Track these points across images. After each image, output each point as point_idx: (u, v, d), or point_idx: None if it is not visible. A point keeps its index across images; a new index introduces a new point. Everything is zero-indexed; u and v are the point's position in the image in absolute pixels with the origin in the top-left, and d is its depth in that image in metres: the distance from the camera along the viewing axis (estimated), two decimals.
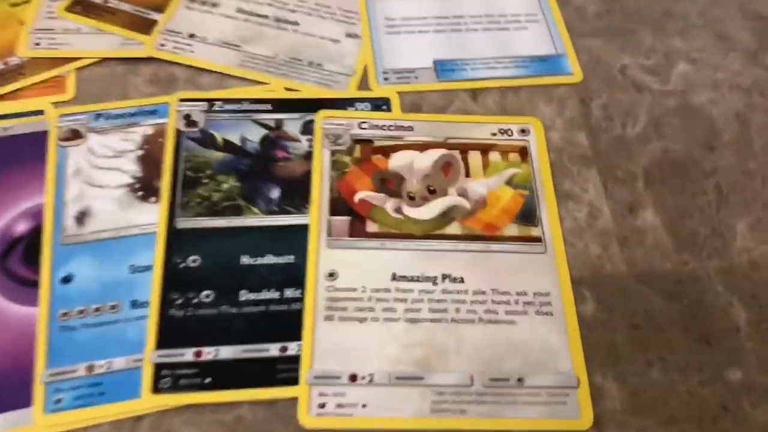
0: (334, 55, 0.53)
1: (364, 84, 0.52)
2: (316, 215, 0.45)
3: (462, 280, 0.43)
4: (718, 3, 0.57)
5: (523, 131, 0.49)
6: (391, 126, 0.49)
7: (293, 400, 0.39)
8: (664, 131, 0.50)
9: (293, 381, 0.39)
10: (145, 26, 0.54)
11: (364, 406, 0.39)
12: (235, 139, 0.48)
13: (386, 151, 0.48)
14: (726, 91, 0.52)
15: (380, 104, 0.50)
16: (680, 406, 0.39)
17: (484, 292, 0.42)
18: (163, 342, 0.40)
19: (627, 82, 0.52)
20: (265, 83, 0.51)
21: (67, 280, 0.42)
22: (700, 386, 0.40)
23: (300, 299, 0.42)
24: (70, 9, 0.54)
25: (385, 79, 0.52)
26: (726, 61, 0.54)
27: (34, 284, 0.42)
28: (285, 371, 0.40)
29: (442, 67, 0.52)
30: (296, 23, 0.55)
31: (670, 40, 0.55)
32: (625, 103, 0.51)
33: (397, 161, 0.47)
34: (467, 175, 0.47)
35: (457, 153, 0.48)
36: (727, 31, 0.55)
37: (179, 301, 0.41)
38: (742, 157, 0.48)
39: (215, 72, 0.52)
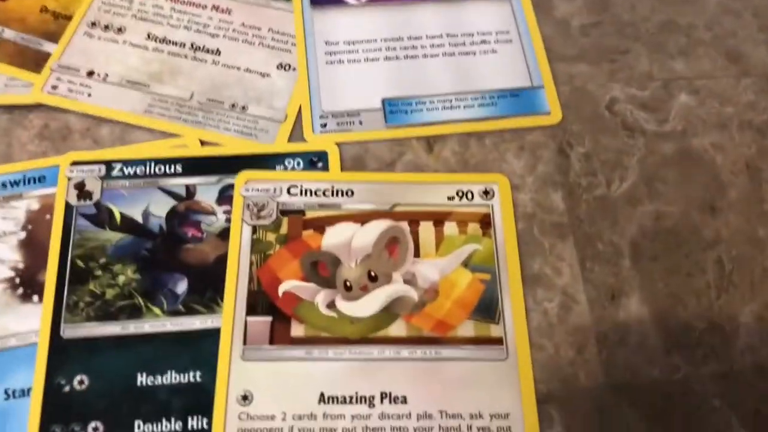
0: (263, 94, 0.44)
1: (296, 132, 0.42)
2: (230, 316, 0.37)
3: (404, 400, 0.35)
4: (730, 10, 0.47)
5: (486, 193, 0.41)
6: (327, 190, 0.40)
7: None
8: (657, 189, 0.41)
9: None
10: (36, 60, 0.44)
11: None
12: (136, 214, 0.39)
13: (320, 225, 0.39)
14: (735, 132, 0.43)
15: (315, 160, 0.41)
16: None
17: (431, 416, 0.35)
18: None
19: (616, 121, 0.43)
20: (177, 135, 0.42)
21: None
22: None
23: (207, 431, 0.34)
24: None
25: (323, 125, 0.43)
26: (737, 90, 0.44)
27: None
28: None
29: (392, 108, 0.43)
30: (217, 52, 0.45)
31: (670, 62, 0.45)
32: (613, 150, 0.42)
33: (332, 238, 0.39)
34: (416, 254, 0.39)
35: (405, 225, 0.40)
36: (739, 48, 0.45)
37: None
38: (750, 221, 0.40)
39: (118, 122, 0.42)
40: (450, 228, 0.40)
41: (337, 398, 0.36)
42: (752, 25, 0.47)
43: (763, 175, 0.42)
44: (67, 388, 0.35)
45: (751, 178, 0.42)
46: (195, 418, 0.35)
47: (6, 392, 0.35)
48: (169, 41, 0.46)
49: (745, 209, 0.41)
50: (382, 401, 0.36)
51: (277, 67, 0.45)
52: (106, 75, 0.44)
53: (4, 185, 0.40)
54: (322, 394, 0.36)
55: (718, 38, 0.47)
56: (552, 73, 0.45)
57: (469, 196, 0.41)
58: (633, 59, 0.46)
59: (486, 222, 0.40)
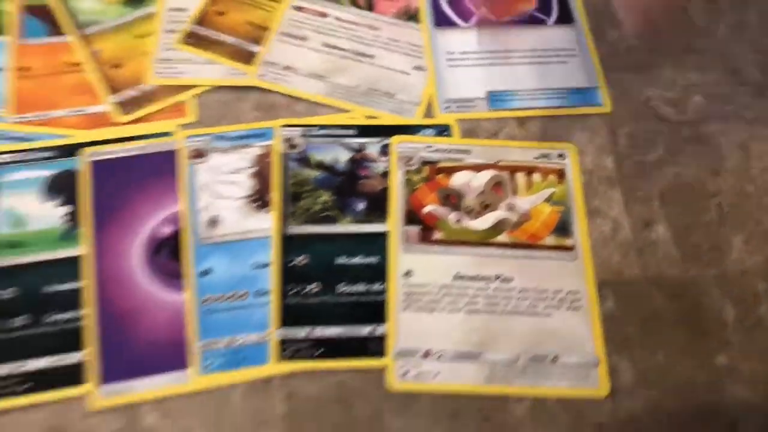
0: (405, 86, 0.65)
1: (429, 112, 0.63)
2: (394, 225, 0.57)
3: (511, 280, 0.55)
4: (733, 39, 0.68)
5: (560, 156, 0.61)
6: (452, 150, 0.61)
7: (381, 370, 0.52)
8: (678, 158, 0.61)
9: (381, 354, 0.52)
10: (247, 57, 0.66)
11: (436, 375, 0.52)
12: (327, 160, 0.60)
13: (448, 171, 0.60)
14: (732, 122, 0.63)
15: (443, 130, 0.62)
16: (678, 382, 0.52)
17: (527, 290, 0.55)
18: (283, 322, 0.53)
19: (649, 113, 0.64)
20: (349, 111, 0.63)
21: (206, 273, 0.55)
22: (694, 368, 0.52)
23: (384, 292, 0.55)
24: (183, 42, 0.66)
25: (447, 107, 0.64)
26: (736, 93, 0.65)
27: (178, 275, 0.55)
28: (374, 347, 0.53)
29: (494, 98, 0.64)
30: (372, 56, 0.66)
31: (688, 74, 0.66)
32: (647, 131, 0.62)
33: (457, 180, 0.60)
34: (514, 192, 0.59)
35: (506, 174, 0.60)
36: (738, 65, 0.66)
37: (293, 292, 0.54)
38: (741, 180, 0.60)
39: (308, 101, 0.64)
40: (536, 177, 0.61)
41: (466, 276, 0.56)
42: (748, 50, 0.68)
43: (752, 152, 0.62)
44: (294, 264, 0.56)
45: (743, 153, 0.62)
46: (376, 283, 0.55)
47: (254, 263, 0.56)
48: (338, 48, 0.67)
49: (738, 173, 0.61)
50: (496, 280, 0.56)
51: (414, 68, 0.66)
52: (297, 69, 0.65)
53: (238, 138, 0.61)
54: (456, 274, 0.56)
55: (723, 57, 0.68)
56: (605, 78, 0.66)
57: (549, 157, 0.62)
58: (662, 70, 0.67)
59: (561, 174, 0.61)
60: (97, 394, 0.50)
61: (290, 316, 0.53)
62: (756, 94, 0.64)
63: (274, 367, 0.51)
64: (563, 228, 0.57)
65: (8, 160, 0.58)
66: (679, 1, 0.69)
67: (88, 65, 0.63)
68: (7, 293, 0.53)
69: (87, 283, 0.53)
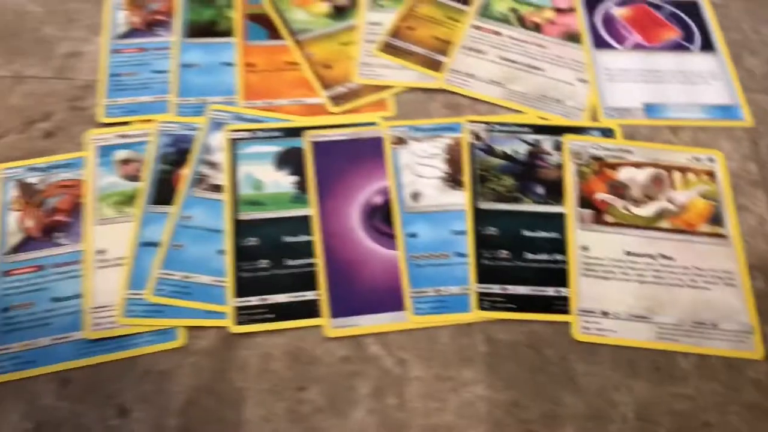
0: (571, 95, 0.76)
1: (593, 117, 0.74)
2: (570, 208, 0.68)
3: (673, 259, 0.65)
4: None
5: (710, 159, 0.71)
6: (616, 149, 0.72)
7: (566, 324, 0.62)
8: None
9: (565, 312, 0.62)
10: (435, 65, 0.78)
11: (614, 331, 0.62)
12: (508, 150, 0.71)
13: (614, 167, 0.71)
14: None
15: (606, 132, 0.73)
16: None
17: (688, 268, 0.65)
18: (480, 279, 0.64)
19: None
20: (524, 112, 0.74)
21: (413, 235, 0.66)
22: None
23: (564, 262, 0.65)
24: (381, 50, 0.79)
25: (609, 114, 0.74)
26: None
27: (390, 236, 0.66)
28: (559, 306, 0.63)
29: (649, 109, 0.75)
30: (542, 69, 0.78)
31: None
32: None
33: (622, 174, 0.70)
34: (672, 187, 0.69)
35: (664, 171, 0.70)
36: None
37: (487, 255, 0.65)
38: None
39: (488, 102, 0.75)
40: (690, 176, 0.71)
41: (635, 253, 0.66)
42: None
43: None
44: (485, 232, 0.67)
45: None
46: (557, 254, 0.66)
47: (452, 231, 0.67)
48: (512, 61, 0.79)
49: None
50: (660, 258, 0.66)
51: (577, 80, 0.78)
52: (479, 76, 0.77)
53: (432, 130, 0.73)
54: (626, 251, 0.66)
55: None
56: (744, 97, 0.76)
57: (700, 160, 0.72)
58: None
59: (711, 174, 0.71)
60: (329, 325, 0.61)
61: (486, 275, 0.63)
62: None
63: (475, 314, 0.61)
64: (716, 219, 0.67)
65: (246, 136, 0.70)
66: None
67: (303, 65, 0.76)
68: (253, 240, 0.64)
69: (315, 238, 0.64)
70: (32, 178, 0.66)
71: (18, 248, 0.63)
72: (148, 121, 0.70)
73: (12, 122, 0.70)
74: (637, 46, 0.78)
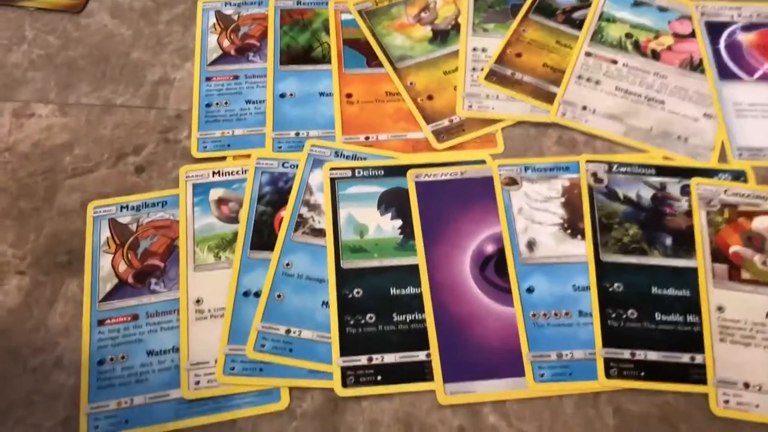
0: (696, 131, 0.69)
1: (722, 157, 0.67)
2: (701, 262, 0.61)
3: None
4: None
5: None
6: (750, 195, 0.65)
7: (703, 396, 0.56)
8: None
9: (701, 381, 0.56)
10: (546, 96, 0.72)
11: (757, 406, 0.55)
12: (632, 195, 0.65)
13: (749, 215, 0.64)
14: None
15: (738, 175, 0.66)
16: None
17: None
18: (606, 343, 0.58)
19: None
20: (645, 151, 0.68)
21: (530, 290, 0.60)
22: None
23: (699, 324, 0.58)
24: (487, 78, 0.73)
25: (740, 154, 0.67)
26: None
27: (505, 290, 0.60)
28: (695, 374, 0.57)
29: None
30: (663, 102, 0.71)
31: None
32: None
33: (759, 224, 0.63)
34: None
35: None
36: None
37: (613, 316, 0.59)
38: None
39: (606, 139, 0.69)
40: None
41: None
42: None
43: None
44: (611, 289, 0.61)
45: None
46: (690, 315, 0.59)
47: (574, 286, 0.61)
48: (631, 92, 0.72)
49: None
50: None
51: (703, 116, 0.71)
52: (594, 109, 0.71)
53: (546, 170, 0.67)
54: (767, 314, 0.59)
55: None
56: None
57: None
58: None
59: None
60: (443, 391, 0.56)
61: (612, 337, 0.57)
62: None
63: (602, 383, 0.56)
64: None
65: (347, 175, 0.65)
66: None
67: (404, 95, 0.71)
68: (358, 292, 0.59)
69: (424, 289, 0.59)
70: (124, 218, 0.63)
71: (112, 295, 0.59)
72: (244, 156, 0.66)
73: (102, 155, 0.67)
74: None
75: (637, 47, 0.73)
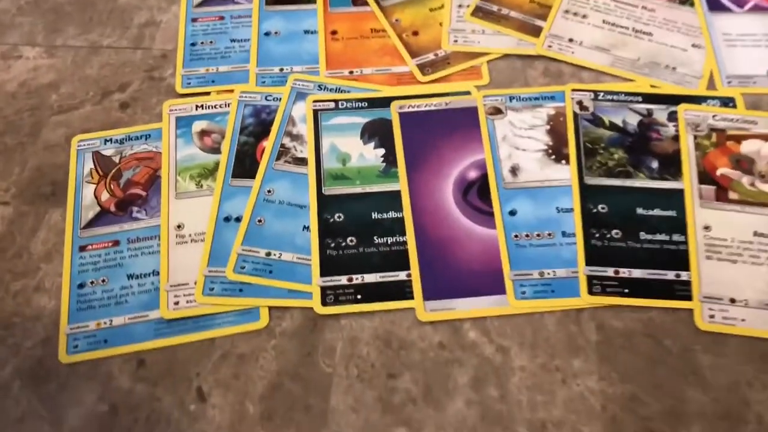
0: (684, 61, 0.68)
1: (710, 85, 0.66)
2: (688, 184, 0.60)
3: None
4: None
5: None
6: (738, 119, 0.64)
7: (688, 312, 0.54)
8: None
9: (686, 297, 0.55)
10: (532, 30, 0.71)
11: (743, 320, 0.54)
12: (617, 121, 0.64)
13: (737, 139, 0.63)
14: None
15: (726, 102, 0.65)
16: None
17: None
18: (590, 261, 0.57)
19: None
20: (632, 80, 0.67)
21: (512, 213, 0.59)
22: None
23: (684, 243, 0.57)
24: (473, 14, 0.72)
25: (728, 82, 0.66)
26: None
27: (487, 213, 0.60)
28: (680, 290, 0.55)
29: None
30: (650, 34, 0.70)
31: None
32: None
33: (747, 147, 0.62)
34: None
35: None
36: None
37: (597, 235, 0.58)
38: None
39: (592, 70, 0.68)
40: None
41: (765, 234, 0.58)
42: None
43: None
44: (595, 211, 0.60)
45: None
46: (676, 234, 0.58)
47: (557, 208, 0.60)
48: (618, 25, 0.71)
49: None
50: None
51: (692, 46, 0.70)
52: (581, 42, 0.70)
53: (531, 99, 0.66)
54: (755, 231, 0.58)
55: None
56: None
57: None
58: None
59: None
60: (423, 308, 0.55)
61: (596, 256, 0.57)
62: None
63: (584, 300, 0.55)
64: None
65: (330, 107, 0.65)
66: None
67: (389, 31, 0.71)
68: (339, 217, 0.59)
69: (406, 214, 0.59)
70: (108, 150, 0.63)
71: (94, 222, 0.59)
72: (228, 91, 0.66)
73: (87, 93, 0.67)
74: (758, 8, 0.70)
75: None
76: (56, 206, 0.61)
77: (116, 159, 0.63)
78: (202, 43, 0.70)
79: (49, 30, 0.73)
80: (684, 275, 0.55)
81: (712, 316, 0.54)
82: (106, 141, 0.64)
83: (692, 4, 0.71)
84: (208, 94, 0.67)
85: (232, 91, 0.66)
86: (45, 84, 0.69)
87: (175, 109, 0.65)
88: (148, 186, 0.61)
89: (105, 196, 0.61)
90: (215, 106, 0.65)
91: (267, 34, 0.70)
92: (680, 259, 0.56)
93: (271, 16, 0.72)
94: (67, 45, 0.71)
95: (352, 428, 0.50)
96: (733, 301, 0.54)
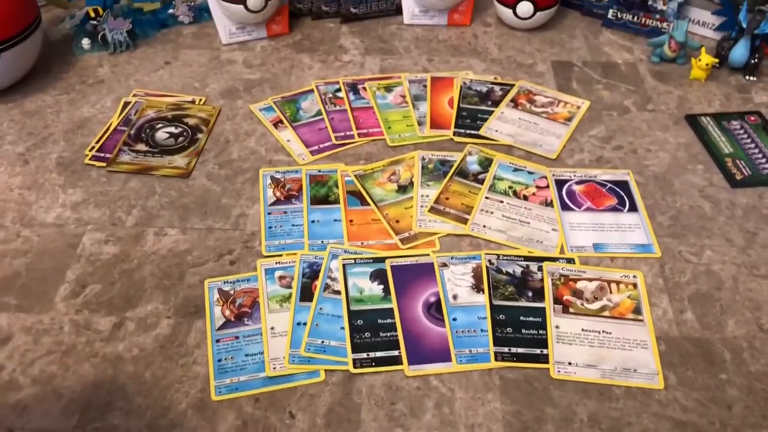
0: (547, 238, 1.26)
1: (561, 251, 1.24)
2: (548, 304, 1.16)
3: (610, 333, 1.13)
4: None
5: (634, 276, 1.20)
6: (575, 270, 1.21)
7: (547, 369, 1.08)
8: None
9: (546, 362, 1.09)
10: (463, 221, 1.30)
11: (574, 372, 1.08)
12: (510, 271, 1.21)
13: (575, 280, 1.19)
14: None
15: (570, 260, 1.23)
16: None
17: (619, 338, 1.12)
18: (496, 344, 1.11)
19: (682, 258, 1.22)
20: (518, 248, 1.25)
21: (455, 320, 1.14)
22: None
23: (545, 335, 1.12)
24: (430, 211, 1.31)
25: (571, 250, 1.24)
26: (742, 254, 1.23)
27: (441, 320, 1.14)
28: (543, 358, 1.09)
29: (596, 247, 1.25)
30: (529, 222, 1.29)
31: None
32: (678, 268, 1.21)
33: (579, 285, 1.19)
34: (611, 292, 1.18)
35: (606, 283, 1.19)
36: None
37: (500, 331, 1.13)
38: None
39: (497, 242, 1.26)
40: (622, 286, 1.20)
41: (588, 330, 1.14)
42: None
43: None
44: (498, 318, 1.15)
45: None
46: (540, 330, 1.13)
47: (478, 317, 1.15)
48: (510, 218, 1.31)
49: None
50: (602, 333, 1.13)
51: (552, 229, 1.29)
52: (490, 227, 1.29)
53: (463, 258, 1.23)
54: (582, 329, 1.14)
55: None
56: (656, 239, 1.27)
57: (629, 276, 1.21)
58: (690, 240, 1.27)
59: (635, 285, 1.20)
60: (408, 370, 1.07)
61: (499, 342, 1.10)
62: None
63: (493, 364, 1.08)
64: (637, 310, 1.14)
65: (351, 262, 1.20)
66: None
67: (382, 221, 1.28)
68: (360, 322, 1.12)
69: (396, 321, 1.12)
70: (226, 287, 1.16)
71: (222, 327, 1.11)
72: (293, 254, 1.21)
73: (210, 255, 1.21)
74: (589, 209, 1.29)
75: (515, 193, 1.32)
76: (199, 318, 1.12)
77: (231, 292, 1.15)
78: (273, 228, 1.25)
79: (181, 218, 1.27)
80: (545, 351, 1.08)
81: (559, 371, 1.06)
82: (225, 282, 1.17)
83: (553, 206, 1.30)
84: (281, 255, 1.21)
85: (295, 254, 1.21)
86: (183, 250, 1.22)
87: (264, 265, 1.19)
88: (252, 307, 1.13)
89: (227, 312, 1.13)
90: (287, 263, 1.19)
91: (312, 221, 1.26)
92: (543, 343, 1.09)
93: (314, 211, 1.28)
94: (194, 227, 1.26)
95: (378, 428, 0.99)
96: (570, 363, 1.07)
